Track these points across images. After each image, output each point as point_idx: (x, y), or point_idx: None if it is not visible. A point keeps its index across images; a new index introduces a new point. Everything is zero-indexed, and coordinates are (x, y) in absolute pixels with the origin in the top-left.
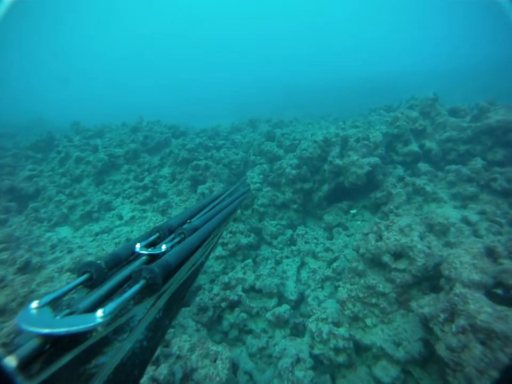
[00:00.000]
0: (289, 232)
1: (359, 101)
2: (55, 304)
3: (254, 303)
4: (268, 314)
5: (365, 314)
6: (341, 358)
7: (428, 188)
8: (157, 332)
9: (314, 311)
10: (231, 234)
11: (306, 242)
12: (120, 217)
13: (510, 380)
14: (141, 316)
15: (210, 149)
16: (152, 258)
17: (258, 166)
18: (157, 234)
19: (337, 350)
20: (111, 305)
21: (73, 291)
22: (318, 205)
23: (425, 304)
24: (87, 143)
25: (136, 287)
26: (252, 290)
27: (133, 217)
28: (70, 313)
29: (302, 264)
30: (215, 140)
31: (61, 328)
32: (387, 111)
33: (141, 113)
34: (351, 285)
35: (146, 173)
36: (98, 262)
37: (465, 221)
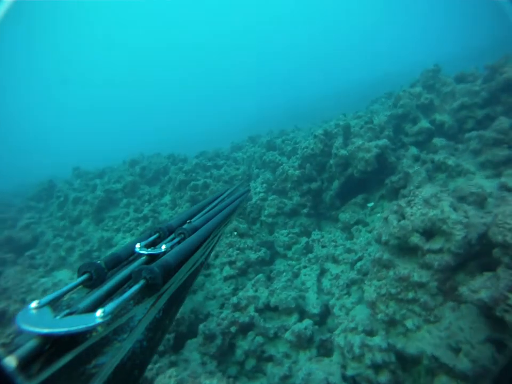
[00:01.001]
0: (304, 239)
1: (361, 102)
2: (55, 304)
3: (270, 323)
4: (287, 334)
5: (402, 315)
6: (384, 377)
7: (450, 162)
8: (157, 332)
9: (341, 322)
10: (238, 251)
11: (323, 247)
12: None
13: (510, 379)
14: (141, 316)
15: (209, 168)
16: (152, 258)
17: (262, 176)
18: (157, 235)
19: (376, 367)
20: (111, 305)
21: (73, 291)
22: (331, 205)
23: (480, 286)
24: (86, 185)
25: (136, 287)
26: (267, 309)
27: None
28: (70, 313)
29: (322, 271)
30: (215, 161)
31: (61, 328)
32: (389, 97)
33: (150, 149)
34: (378, 280)
35: (147, 203)
36: (98, 262)
37: (505, 188)
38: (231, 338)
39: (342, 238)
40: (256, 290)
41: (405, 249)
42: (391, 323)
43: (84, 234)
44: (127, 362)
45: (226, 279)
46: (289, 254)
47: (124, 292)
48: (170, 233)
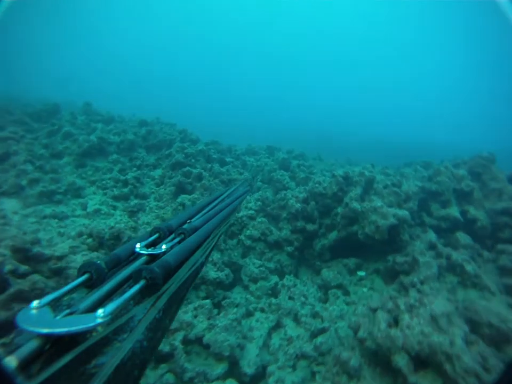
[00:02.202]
0: (274, 279)
1: (392, 159)
2: (55, 304)
3: (192, 363)
4: None
5: None
6: None
7: (469, 267)
8: (157, 332)
9: None
10: None
11: (290, 298)
12: (84, 207)
13: (510, 379)
14: (141, 316)
15: (212, 160)
16: (152, 258)
17: (262, 191)
18: (157, 234)
19: None
20: (111, 305)
21: (73, 291)
22: (319, 254)
23: None
24: (87, 124)
25: (136, 287)
26: (198, 342)
27: (97, 211)
28: (70, 313)
29: (277, 325)
30: (223, 155)
31: (61, 328)
32: (425, 167)
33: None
34: None
35: (135, 168)
36: (98, 262)
37: None
38: None
39: (314, 297)
40: (195, 317)
41: (381, 362)
42: None
43: (57, 172)
44: (127, 362)
45: None
46: (252, 287)
47: (124, 292)
48: (170, 233)
